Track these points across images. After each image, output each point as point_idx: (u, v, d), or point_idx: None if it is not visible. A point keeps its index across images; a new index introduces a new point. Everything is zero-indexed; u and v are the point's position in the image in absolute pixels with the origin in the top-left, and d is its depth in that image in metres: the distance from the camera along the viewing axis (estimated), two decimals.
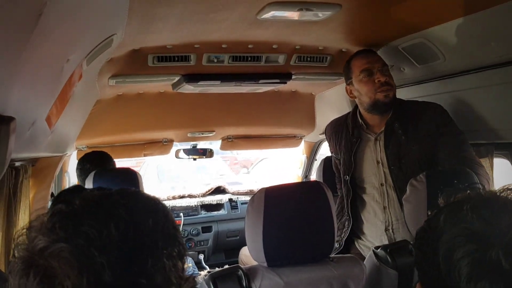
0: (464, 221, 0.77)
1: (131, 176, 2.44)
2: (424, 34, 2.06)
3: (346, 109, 3.10)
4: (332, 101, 3.30)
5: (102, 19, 1.48)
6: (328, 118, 3.49)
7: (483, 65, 2.03)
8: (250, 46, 2.35)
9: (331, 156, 2.53)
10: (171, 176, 8.73)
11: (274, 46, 2.39)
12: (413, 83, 2.50)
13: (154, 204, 0.75)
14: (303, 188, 1.52)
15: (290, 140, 4.04)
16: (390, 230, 2.18)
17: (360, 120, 2.27)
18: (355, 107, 2.33)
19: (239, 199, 4.19)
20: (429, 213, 0.88)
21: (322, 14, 1.83)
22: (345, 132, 2.31)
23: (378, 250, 1.52)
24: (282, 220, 1.38)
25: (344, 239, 2.26)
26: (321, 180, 2.93)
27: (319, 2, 1.74)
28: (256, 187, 4.29)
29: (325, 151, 3.73)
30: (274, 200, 1.37)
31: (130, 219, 0.67)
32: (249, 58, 2.47)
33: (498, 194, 0.82)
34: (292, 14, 1.82)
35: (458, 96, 2.22)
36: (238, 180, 8.02)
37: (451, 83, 2.24)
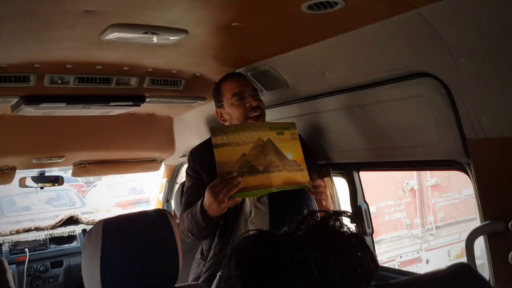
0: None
1: None
2: (270, 62, 2.19)
3: (203, 132, 3.14)
4: (190, 124, 3.30)
5: None
6: (187, 141, 3.50)
7: (320, 93, 2.23)
8: (98, 67, 2.23)
9: (192, 180, 2.19)
10: (19, 209, 7.89)
11: (125, 68, 2.31)
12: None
13: None
14: (145, 218, 1.46)
15: (149, 164, 3.93)
16: None
17: None
18: None
19: None
20: None
21: (169, 39, 1.82)
22: None
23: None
24: (122, 253, 1.31)
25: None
26: (179, 205, 2.88)
27: (164, 27, 1.73)
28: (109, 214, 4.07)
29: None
30: (113, 232, 1.29)
31: None
32: (98, 80, 2.35)
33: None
34: (138, 37, 1.77)
35: (300, 121, 2.39)
36: (88, 209, 7.61)
37: (295, 108, 2.41)
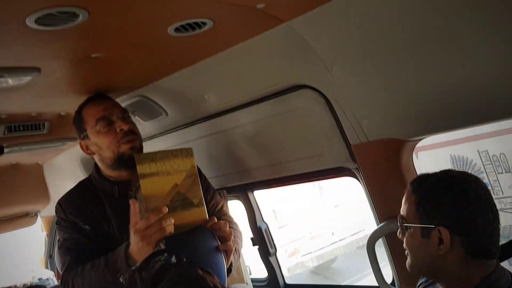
0: None
1: None
2: (143, 92, 2.04)
3: (79, 174, 2.84)
4: (63, 168, 2.97)
5: None
6: (63, 188, 3.11)
7: (202, 117, 2.13)
8: None
9: (68, 231, 1.76)
10: None
11: None
12: (144, 139, 2.44)
13: None
14: None
15: (22, 219, 3.48)
16: None
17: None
18: (95, 167, 1.87)
19: None
20: None
21: (19, 80, 1.57)
22: (104, 196, 1.79)
23: None
24: None
25: None
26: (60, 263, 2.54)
27: (11, 67, 1.48)
28: None
29: None
30: None
31: None
32: None
33: None
34: None
35: None
36: None
37: (178, 136, 2.28)
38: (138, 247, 1.46)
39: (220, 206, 1.89)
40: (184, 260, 1.04)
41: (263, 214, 2.43)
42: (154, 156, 1.50)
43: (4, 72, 1.48)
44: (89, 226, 1.72)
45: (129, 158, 1.69)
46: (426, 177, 1.31)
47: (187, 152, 1.55)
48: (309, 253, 6.66)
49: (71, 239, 1.73)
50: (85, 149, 1.83)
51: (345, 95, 1.64)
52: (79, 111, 1.83)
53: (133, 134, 1.77)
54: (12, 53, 1.37)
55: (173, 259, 1.04)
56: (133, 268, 1.01)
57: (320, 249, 6.79)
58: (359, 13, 1.39)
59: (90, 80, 1.81)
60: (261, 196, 2.46)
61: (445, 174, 1.28)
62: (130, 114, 1.88)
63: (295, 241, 6.65)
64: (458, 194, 1.20)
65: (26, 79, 1.57)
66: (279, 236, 6.45)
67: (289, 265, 6.43)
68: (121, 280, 1.29)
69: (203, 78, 1.88)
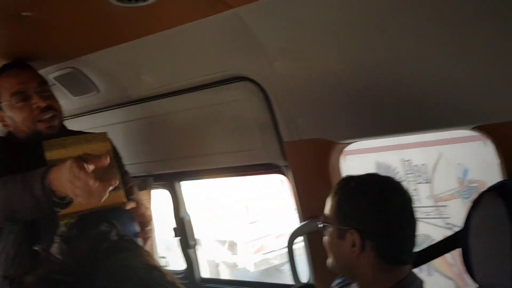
0: None
1: None
2: (74, 63, 1.92)
3: None
4: None
5: None
6: None
7: (136, 98, 2.05)
8: None
9: None
10: None
11: None
12: (71, 116, 2.31)
13: None
14: None
15: None
16: None
17: None
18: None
19: None
20: None
21: None
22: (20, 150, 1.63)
23: None
24: None
25: None
26: None
27: None
28: None
29: None
30: None
31: None
32: None
33: None
34: None
35: (116, 130, 2.16)
36: None
37: (108, 116, 2.18)
38: (64, 170, 1.26)
39: (130, 185, 1.80)
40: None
41: (238, 209, 2.38)
42: (64, 142, 1.40)
43: None
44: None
45: (46, 137, 1.52)
46: (350, 179, 1.33)
47: (102, 137, 1.47)
48: (273, 251, 6.80)
49: None
50: (1, 119, 1.70)
51: (283, 91, 1.65)
52: None
53: (51, 111, 1.64)
54: None
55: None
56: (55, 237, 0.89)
57: (282, 248, 6.99)
58: (310, 8, 1.39)
59: (17, 42, 1.68)
60: (233, 190, 2.41)
61: (366, 178, 1.30)
62: (50, 86, 1.72)
63: (262, 238, 6.73)
64: (373, 199, 1.22)
65: None
66: (248, 232, 6.65)
67: (256, 261, 6.50)
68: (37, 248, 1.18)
69: (141, 57, 1.81)
